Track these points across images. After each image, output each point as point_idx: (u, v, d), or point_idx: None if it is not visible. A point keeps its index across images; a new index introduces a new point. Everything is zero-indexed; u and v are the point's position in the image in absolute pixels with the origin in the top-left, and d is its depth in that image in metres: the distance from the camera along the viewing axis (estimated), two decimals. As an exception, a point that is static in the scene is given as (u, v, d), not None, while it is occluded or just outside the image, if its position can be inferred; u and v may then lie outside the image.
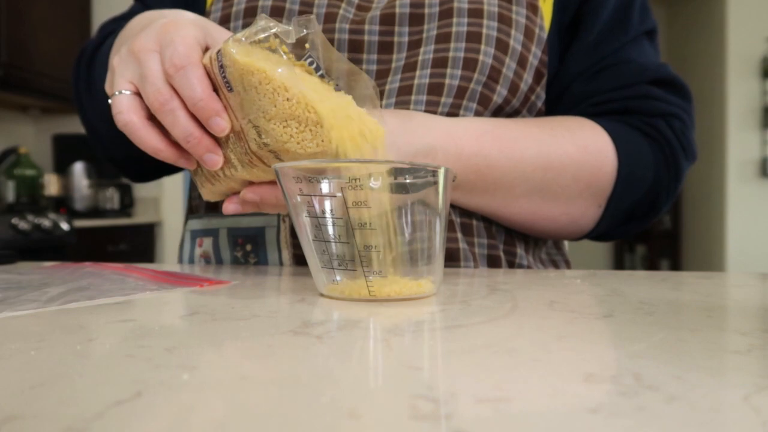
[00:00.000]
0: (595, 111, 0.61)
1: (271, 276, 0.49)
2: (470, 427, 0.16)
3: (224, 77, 0.40)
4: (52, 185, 2.61)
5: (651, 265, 3.97)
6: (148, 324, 0.30)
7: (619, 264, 4.23)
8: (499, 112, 0.60)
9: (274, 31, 0.39)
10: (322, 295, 0.38)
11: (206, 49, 0.44)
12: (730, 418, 0.17)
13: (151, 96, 0.42)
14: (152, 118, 0.44)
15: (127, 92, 0.44)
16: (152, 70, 0.42)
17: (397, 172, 0.36)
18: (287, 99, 0.38)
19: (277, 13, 0.60)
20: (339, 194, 0.35)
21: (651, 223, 0.63)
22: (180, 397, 0.19)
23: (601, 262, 4.27)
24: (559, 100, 0.63)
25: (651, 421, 0.16)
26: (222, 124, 0.41)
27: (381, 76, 0.59)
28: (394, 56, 0.59)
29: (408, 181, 0.36)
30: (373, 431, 0.16)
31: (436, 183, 0.36)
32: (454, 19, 0.58)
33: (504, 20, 0.58)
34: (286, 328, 0.28)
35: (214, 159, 0.43)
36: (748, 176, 3.34)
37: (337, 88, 0.42)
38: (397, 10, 0.59)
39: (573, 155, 0.56)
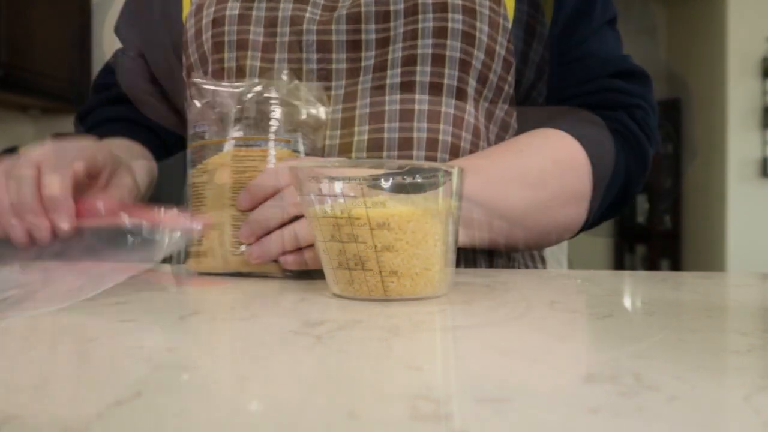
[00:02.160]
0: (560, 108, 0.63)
1: (271, 276, 0.49)
2: (470, 427, 0.16)
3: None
4: (52, 185, 2.61)
5: (651, 265, 3.96)
6: (148, 324, 0.30)
7: (619, 264, 4.23)
8: (476, 105, 0.61)
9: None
10: (334, 294, 0.38)
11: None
12: (731, 419, 0.17)
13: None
14: None
15: None
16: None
17: (410, 172, 0.36)
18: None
19: (244, 21, 0.61)
20: (359, 195, 0.35)
21: (622, 212, 0.67)
22: (180, 397, 0.19)
23: (601, 262, 4.27)
24: (528, 95, 0.64)
25: (651, 421, 0.16)
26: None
27: (351, 75, 0.60)
28: (363, 54, 0.60)
29: (420, 181, 0.36)
30: (373, 431, 0.16)
31: (449, 184, 0.36)
32: (420, 16, 0.59)
33: (468, 12, 0.59)
34: (286, 328, 0.28)
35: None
36: (748, 176, 3.33)
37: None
38: (363, 9, 0.60)
39: (553, 171, 0.57)
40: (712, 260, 3.50)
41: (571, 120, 0.61)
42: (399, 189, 0.36)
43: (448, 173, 0.36)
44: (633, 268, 4.09)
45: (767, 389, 0.19)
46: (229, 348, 0.26)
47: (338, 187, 0.36)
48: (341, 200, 0.36)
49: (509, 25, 0.61)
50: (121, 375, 0.21)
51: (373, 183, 0.36)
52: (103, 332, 0.28)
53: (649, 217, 3.93)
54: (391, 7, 0.60)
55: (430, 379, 0.20)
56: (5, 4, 2.29)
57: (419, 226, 0.35)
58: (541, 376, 0.21)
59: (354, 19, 0.60)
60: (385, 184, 0.36)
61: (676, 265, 3.88)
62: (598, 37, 0.64)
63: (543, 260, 0.72)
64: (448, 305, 0.35)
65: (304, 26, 0.60)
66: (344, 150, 0.59)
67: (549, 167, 0.57)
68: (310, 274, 0.48)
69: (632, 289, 0.42)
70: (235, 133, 0.50)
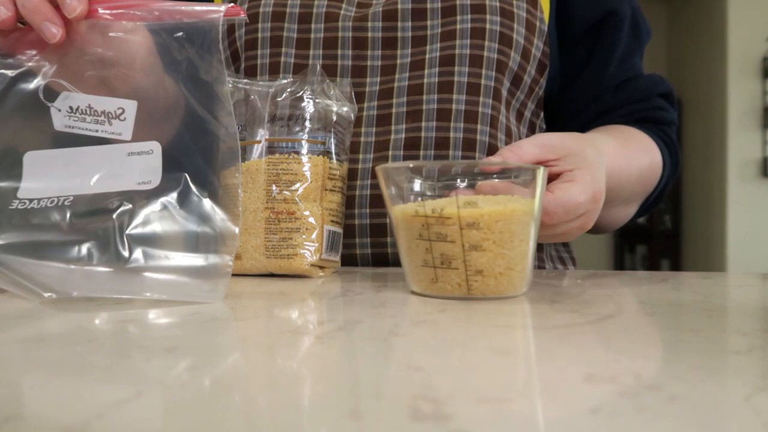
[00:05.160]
0: (623, 121, 0.66)
1: (271, 276, 0.49)
2: (470, 427, 0.16)
3: None
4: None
5: (651, 265, 3.96)
6: (148, 324, 0.30)
7: (619, 264, 4.22)
8: (507, 105, 0.61)
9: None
10: (413, 292, 0.39)
11: None
12: (731, 419, 0.17)
13: None
14: None
15: None
16: None
17: (500, 172, 0.37)
18: None
19: (278, 18, 0.61)
20: (452, 194, 0.36)
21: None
22: (180, 397, 0.19)
23: (601, 262, 4.26)
24: (589, 107, 0.67)
25: (651, 421, 0.16)
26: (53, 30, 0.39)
27: (387, 72, 0.60)
28: (399, 52, 0.60)
29: (510, 179, 0.37)
30: (373, 431, 0.16)
31: (534, 182, 0.37)
32: (458, 16, 0.59)
33: (506, 14, 0.60)
34: (286, 328, 0.28)
35: (52, 30, 0.39)
36: (748, 176, 3.33)
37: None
38: (399, 6, 0.60)
39: (648, 171, 0.63)
40: (712, 260, 3.50)
41: (640, 127, 0.65)
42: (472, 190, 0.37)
43: (533, 174, 0.37)
44: (633, 268, 4.09)
45: (767, 389, 0.19)
46: (229, 348, 0.26)
47: (432, 187, 0.37)
48: (433, 200, 0.36)
49: (545, 27, 0.63)
50: (121, 375, 0.21)
51: (448, 183, 0.36)
52: (103, 332, 0.28)
53: (649, 217, 3.92)
54: (428, 5, 0.60)
55: (430, 379, 0.20)
56: (5, 4, 2.29)
57: (507, 227, 0.36)
58: (541, 376, 0.21)
59: (390, 16, 0.60)
60: (461, 183, 0.37)
61: (676, 265, 3.88)
62: (640, 57, 0.69)
63: (573, 261, 0.73)
64: (449, 306, 0.35)
65: (340, 23, 0.60)
66: (381, 147, 0.59)
67: (647, 166, 0.62)
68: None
69: (632, 289, 0.42)
70: (269, 133, 0.50)
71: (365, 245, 0.59)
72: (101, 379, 0.21)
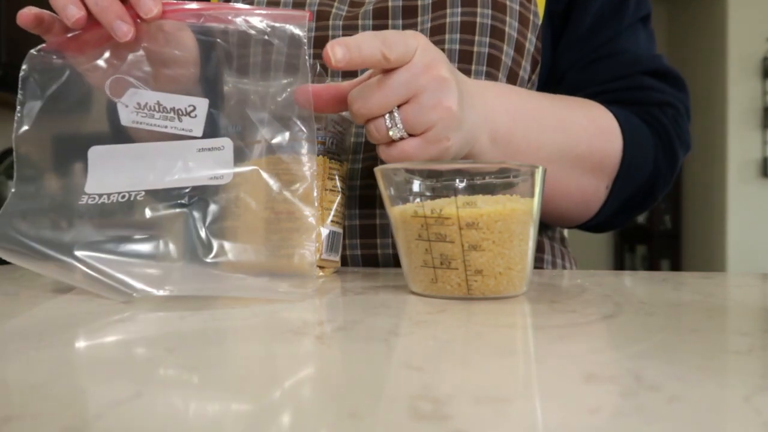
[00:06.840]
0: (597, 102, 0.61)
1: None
2: (470, 427, 0.16)
3: None
4: (52, 185, 2.60)
5: (651, 265, 3.96)
6: (149, 324, 0.30)
7: (619, 264, 4.22)
8: None
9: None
10: (412, 292, 0.39)
11: None
12: (731, 419, 0.17)
13: None
14: None
15: None
16: None
17: (499, 171, 0.37)
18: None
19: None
20: (451, 195, 0.36)
21: (646, 210, 0.64)
22: (180, 397, 0.19)
23: (601, 262, 4.27)
24: (555, 89, 0.63)
25: (651, 421, 0.16)
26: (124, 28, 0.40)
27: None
28: None
29: (507, 180, 0.37)
30: (373, 431, 0.16)
31: (532, 183, 0.37)
32: (448, 10, 0.58)
33: (498, 7, 0.58)
34: (286, 328, 0.28)
35: (123, 29, 0.40)
36: (748, 176, 3.33)
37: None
38: (390, 3, 0.60)
39: (587, 128, 0.56)
40: (712, 260, 3.50)
41: (606, 104, 0.60)
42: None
43: (532, 174, 0.37)
44: (633, 268, 4.09)
45: (767, 389, 0.19)
46: (229, 348, 0.26)
47: (430, 187, 0.37)
48: (431, 200, 0.36)
49: (539, 22, 0.61)
50: (121, 375, 0.21)
51: (446, 184, 0.36)
52: (104, 332, 0.28)
53: (649, 217, 3.92)
54: (419, 2, 0.59)
55: (430, 379, 0.20)
56: (4, 4, 2.29)
57: (506, 226, 0.36)
58: (541, 376, 0.21)
59: (380, 14, 0.60)
60: (460, 184, 0.36)
61: (676, 265, 3.88)
62: (630, 33, 0.62)
63: (573, 261, 0.71)
64: (448, 306, 0.35)
65: (330, 21, 0.60)
66: (370, 148, 0.58)
67: (585, 124, 0.56)
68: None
69: (632, 289, 0.42)
70: (267, 133, 0.50)
71: (355, 246, 0.59)
72: (101, 379, 0.21)
